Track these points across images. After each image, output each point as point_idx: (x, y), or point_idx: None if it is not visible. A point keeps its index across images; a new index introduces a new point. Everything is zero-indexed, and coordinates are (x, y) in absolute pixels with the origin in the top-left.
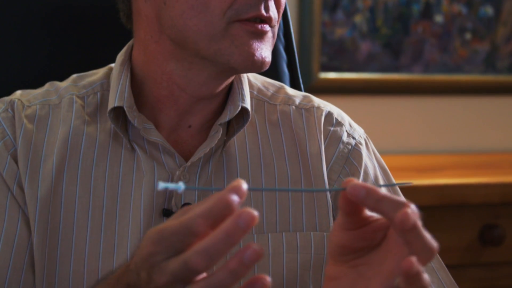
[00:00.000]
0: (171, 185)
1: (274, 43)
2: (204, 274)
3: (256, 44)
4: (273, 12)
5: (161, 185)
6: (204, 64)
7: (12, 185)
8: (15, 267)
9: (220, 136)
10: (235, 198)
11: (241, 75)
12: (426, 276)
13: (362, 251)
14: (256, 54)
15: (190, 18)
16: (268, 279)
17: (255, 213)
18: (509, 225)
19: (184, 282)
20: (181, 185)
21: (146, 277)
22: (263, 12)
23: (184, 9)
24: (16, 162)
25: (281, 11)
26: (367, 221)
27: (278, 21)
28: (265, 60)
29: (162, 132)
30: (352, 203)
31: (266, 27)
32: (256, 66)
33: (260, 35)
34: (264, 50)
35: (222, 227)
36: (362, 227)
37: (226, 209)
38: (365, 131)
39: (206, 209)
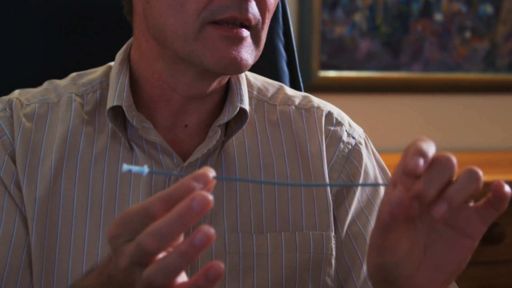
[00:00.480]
0: (134, 168)
1: (260, 44)
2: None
3: (230, 48)
4: (253, 14)
5: (125, 167)
6: (186, 65)
7: (9, 184)
8: (12, 266)
9: (218, 137)
10: (196, 184)
11: (240, 75)
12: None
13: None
14: (230, 57)
15: (167, 17)
16: (222, 265)
17: (210, 197)
18: (509, 223)
19: (141, 265)
20: (144, 169)
21: (113, 260)
22: (239, 13)
23: (163, 8)
24: (14, 161)
25: (268, 11)
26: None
27: (264, 22)
28: (241, 63)
29: (159, 131)
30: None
31: (243, 32)
32: (230, 69)
33: (236, 40)
34: (240, 53)
35: (175, 208)
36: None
37: (185, 194)
38: (365, 130)
39: (166, 193)
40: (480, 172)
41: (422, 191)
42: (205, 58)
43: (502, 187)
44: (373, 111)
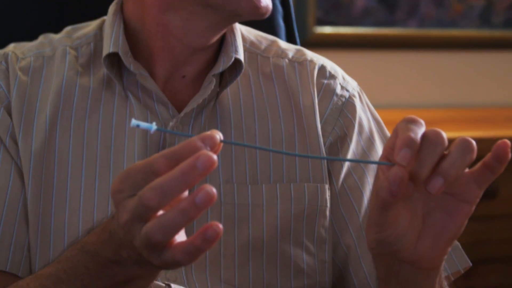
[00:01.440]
0: (143, 124)
1: None
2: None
3: None
4: None
5: (133, 122)
6: (206, 13)
7: (5, 138)
8: (8, 219)
9: (213, 87)
10: (202, 145)
11: (234, 27)
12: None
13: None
14: (262, 1)
15: None
16: (220, 226)
17: (215, 157)
18: (503, 179)
19: (141, 220)
20: (153, 126)
21: (115, 216)
22: None
23: None
24: (10, 115)
25: None
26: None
27: None
28: (268, 7)
29: (156, 82)
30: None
31: None
32: (261, 13)
33: None
34: None
35: (179, 165)
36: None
37: (190, 153)
38: (360, 85)
39: (171, 150)
40: (473, 142)
41: (415, 171)
42: (240, 4)
43: (507, 147)
44: (368, 67)
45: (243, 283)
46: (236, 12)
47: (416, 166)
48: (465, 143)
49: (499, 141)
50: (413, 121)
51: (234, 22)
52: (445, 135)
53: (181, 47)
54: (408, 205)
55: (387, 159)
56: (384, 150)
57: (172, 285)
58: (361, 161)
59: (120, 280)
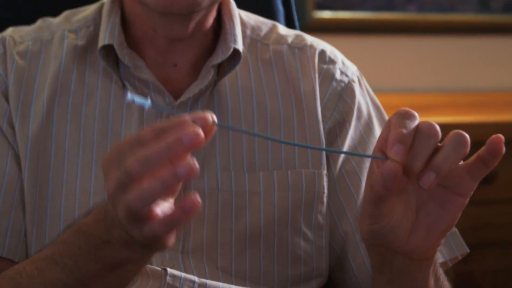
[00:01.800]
0: (138, 99)
1: None
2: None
3: None
4: None
5: (129, 96)
6: (146, 8)
7: (2, 122)
8: (4, 205)
9: (211, 77)
10: (191, 122)
11: (233, 14)
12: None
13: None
14: None
15: None
16: (199, 198)
17: (202, 135)
18: (501, 163)
19: (123, 190)
20: (147, 101)
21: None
22: None
23: None
24: (7, 99)
25: None
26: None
27: None
28: (180, 2)
29: (150, 70)
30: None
31: None
32: (173, 8)
33: None
34: None
35: (165, 137)
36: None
37: (179, 129)
38: (359, 70)
39: (160, 124)
40: (467, 136)
41: (408, 164)
42: None
43: (501, 142)
44: (367, 52)
45: (240, 270)
46: (149, 6)
47: (410, 159)
48: (458, 137)
49: (493, 136)
50: (406, 114)
51: (174, 18)
52: (438, 127)
53: (159, 37)
54: (402, 197)
55: (381, 150)
56: (378, 142)
57: (169, 269)
58: (356, 154)
59: (111, 262)
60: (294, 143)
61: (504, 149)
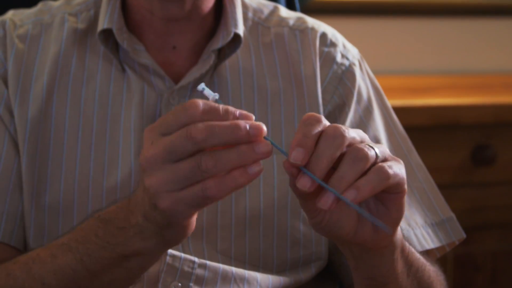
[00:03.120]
0: (207, 90)
1: None
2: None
3: None
4: None
5: (201, 86)
6: None
7: None
8: (1, 188)
9: (212, 62)
10: (241, 117)
11: None
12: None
13: None
14: None
15: None
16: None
17: (265, 130)
18: (501, 145)
19: (171, 158)
20: (216, 96)
21: (140, 180)
22: None
23: None
24: (6, 83)
25: None
26: None
27: None
28: None
29: (150, 53)
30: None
31: None
32: None
33: None
34: None
35: (234, 120)
36: None
37: (225, 115)
38: (360, 52)
39: (210, 106)
40: (364, 151)
41: (314, 166)
42: None
43: None
44: (368, 34)
45: (240, 253)
46: None
47: (314, 159)
48: (354, 152)
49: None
50: (308, 120)
51: None
52: (344, 131)
53: (156, 19)
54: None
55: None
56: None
57: (169, 250)
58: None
59: (121, 252)
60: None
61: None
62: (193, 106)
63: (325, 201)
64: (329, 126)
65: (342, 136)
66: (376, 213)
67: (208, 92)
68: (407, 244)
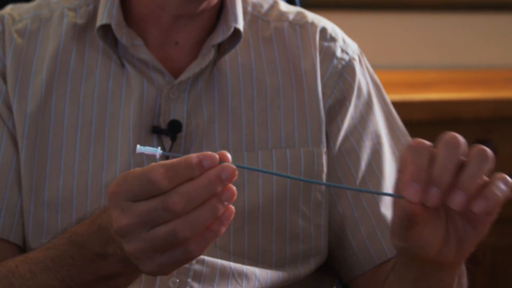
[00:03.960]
0: (148, 149)
1: None
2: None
3: None
4: None
5: (139, 148)
6: None
7: None
8: None
9: (211, 57)
10: (197, 161)
11: None
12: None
13: None
14: None
15: None
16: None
17: (235, 172)
18: (501, 140)
19: (151, 225)
20: (158, 150)
21: (107, 215)
22: None
23: None
24: (4, 78)
25: None
26: None
27: None
28: None
29: (150, 49)
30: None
31: None
32: None
33: None
34: None
35: (204, 175)
36: None
37: (186, 169)
38: (360, 47)
39: (169, 162)
40: (489, 151)
41: (436, 179)
42: None
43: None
44: (367, 28)
45: (238, 248)
46: None
47: (436, 174)
48: (481, 152)
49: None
50: (416, 147)
51: None
52: (461, 139)
53: (166, 15)
54: (431, 216)
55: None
56: (396, 175)
57: None
58: (373, 192)
59: (104, 275)
60: (324, 183)
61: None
62: (158, 179)
63: (456, 201)
64: (446, 135)
65: (460, 145)
66: (463, 233)
67: (149, 150)
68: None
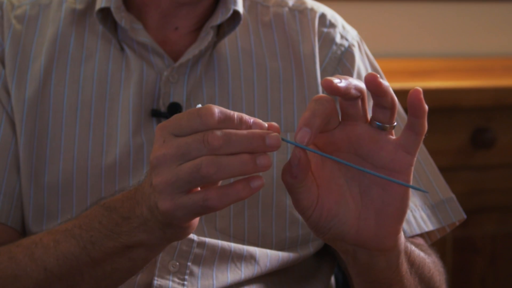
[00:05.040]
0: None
1: None
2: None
3: None
4: None
5: (198, 106)
6: None
7: None
8: None
9: (210, 38)
10: (249, 122)
11: None
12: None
13: None
14: None
15: None
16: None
17: (279, 141)
18: (501, 128)
19: (182, 159)
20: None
21: (147, 176)
22: None
23: None
24: (3, 63)
25: None
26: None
27: None
28: None
29: (149, 33)
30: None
31: None
32: None
33: None
34: None
35: (251, 130)
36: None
37: (238, 121)
38: (360, 35)
39: (225, 110)
40: (329, 80)
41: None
42: None
43: (419, 95)
44: (367, 16)
45: (238, 232)
46: None
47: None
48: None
49: (410, 91)
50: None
51: None
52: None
53: (166, 1)
54: (332, 187)
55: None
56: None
57: None
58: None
59: (125, 242)
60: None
61: (425, 105)
62: (208, 113)
63: (301, 136)
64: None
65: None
66: (380, 204)
67: None
68: (408, 244)
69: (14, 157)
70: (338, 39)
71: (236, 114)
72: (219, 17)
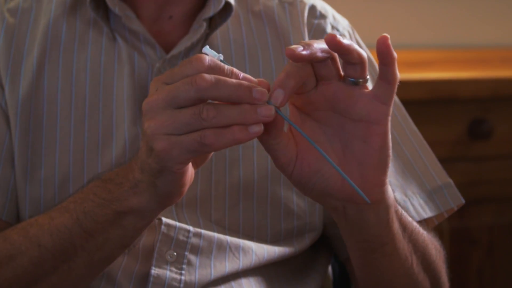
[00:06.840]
0: (212, 52)
1: None
2: None
3: None
4: None
5: (205, 49)
6: None
7: None
8: None
9: (203, 31)
10: (238, 74)
11: None
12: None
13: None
14: None
15: None
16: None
17: (266, 93)
18: (498, 119)
19: (172, 104)
20: (220, 56)
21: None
22: None
23: None
24: None
25: None
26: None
27: None
28: None
29: (143, 23)
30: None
31: None
32: None
33: None
34: None
35: (240, 81)
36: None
37: (227, 71)
38: (356, 26)
39: (215, 61)
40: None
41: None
42: None
43: (386, 40)
44: (364, 7)
45: (233, 224)
46: None
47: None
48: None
49: (378, 38)
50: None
51: None
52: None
53: None
54: (320, 142)
55: None
56: None
57: (163, 219)
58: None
59: (116, 208)
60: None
61: (393, 52)
62: (199, 60)
63: (276, 96)
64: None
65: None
66: (363, 157)
67: (212, 53)
68: (399, 206)
69: (8, 151)
70: (329, 29)
71: (226, 66)
72: (212, 9)
